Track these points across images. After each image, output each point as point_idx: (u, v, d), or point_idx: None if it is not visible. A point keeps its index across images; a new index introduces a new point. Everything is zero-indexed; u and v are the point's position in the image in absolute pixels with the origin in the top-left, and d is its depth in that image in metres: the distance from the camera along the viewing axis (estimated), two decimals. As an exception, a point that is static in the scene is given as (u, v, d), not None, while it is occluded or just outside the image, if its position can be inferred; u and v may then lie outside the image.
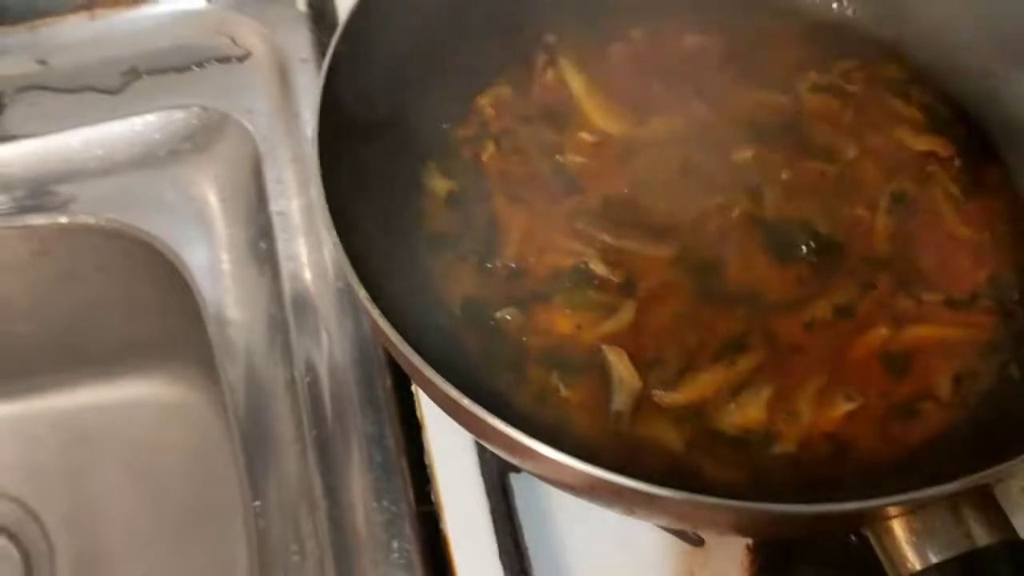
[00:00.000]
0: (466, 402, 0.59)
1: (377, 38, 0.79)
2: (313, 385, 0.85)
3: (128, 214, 1.02)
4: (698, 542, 0.74)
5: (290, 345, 0.88)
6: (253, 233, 0.97)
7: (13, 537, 1.15)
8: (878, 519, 0.55)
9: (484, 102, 0.89)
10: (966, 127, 0.86)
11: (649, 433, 0.71)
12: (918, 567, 0.53)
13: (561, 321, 0.76)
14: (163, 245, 1.00)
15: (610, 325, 0.75)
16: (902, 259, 0.78)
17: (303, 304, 0.90)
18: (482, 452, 0.79)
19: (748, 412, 0.71)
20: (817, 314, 0.75)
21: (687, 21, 0.94)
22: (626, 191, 0.83)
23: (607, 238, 0.80)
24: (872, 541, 0.56)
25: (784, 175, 0.83)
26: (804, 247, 0.78)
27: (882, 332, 0.74)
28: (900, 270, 0.78)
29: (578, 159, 0.85)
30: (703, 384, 0.72)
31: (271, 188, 0.98)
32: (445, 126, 0.88)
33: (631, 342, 0.74)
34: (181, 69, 1.10)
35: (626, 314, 0.76)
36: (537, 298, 0.77)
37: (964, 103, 0.87)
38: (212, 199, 1.02)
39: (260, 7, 1.10)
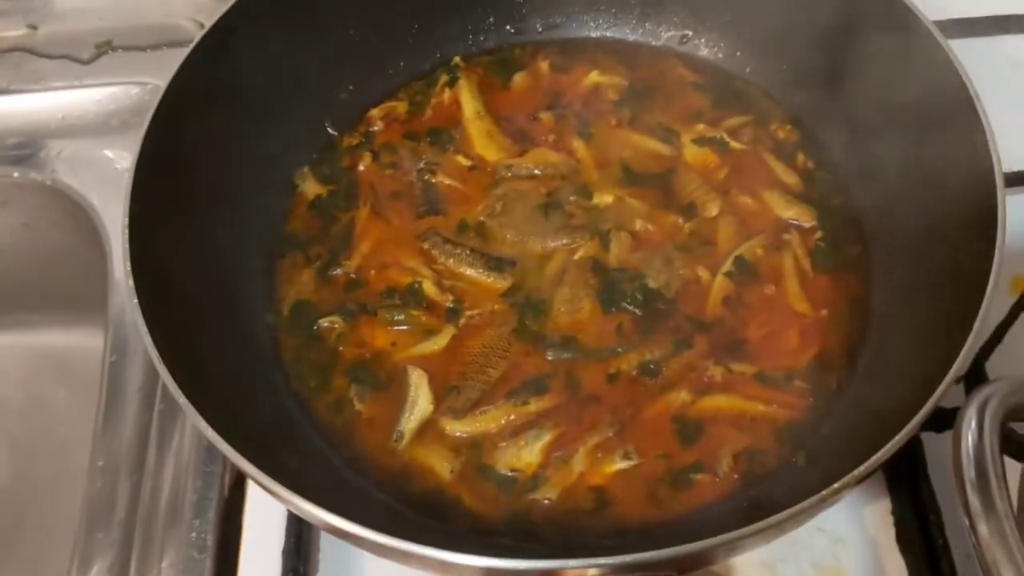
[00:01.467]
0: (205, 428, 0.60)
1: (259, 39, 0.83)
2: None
3: (71, 176, 1.09)
4: None
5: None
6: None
7: (-37, 456, 1.24)
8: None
9: (376, 114, 0.92)
10: (843, 199, 0.84)
11: (423, 457, 0.72)
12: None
13: (380, 336, 0.79)
14: (92, 209, 1.06)
15: (424, 347, 0.77)
16: (727, 326, 0.77)
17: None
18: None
19: (523, 454, 0.71)
20: (623, 367, 0.75)
21: (598, 60, 0.95)
22: (482, 219, 0.84)
23: (448, 262, 0.82)
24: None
25: (638, 225, 0.82)
26: (631, 299, 0.78)
27: (682, 396, 0.73)
28: (721, 336, 0.76)
29: (448, 181, 0.87)
30: (489, 419, 0.73)
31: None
32: (333, 132, 0.91)
33: (438, 366, 0.76)
34: (150, 47, 1.17)
35: (442, 339, 0.78)
36: (365, 311, 0.80)
37: (847, 174, 0.85)
38: (142, 173, 1.08)
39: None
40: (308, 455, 0.72)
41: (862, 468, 0.57)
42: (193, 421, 0.59)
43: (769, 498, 0.68)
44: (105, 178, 1.08)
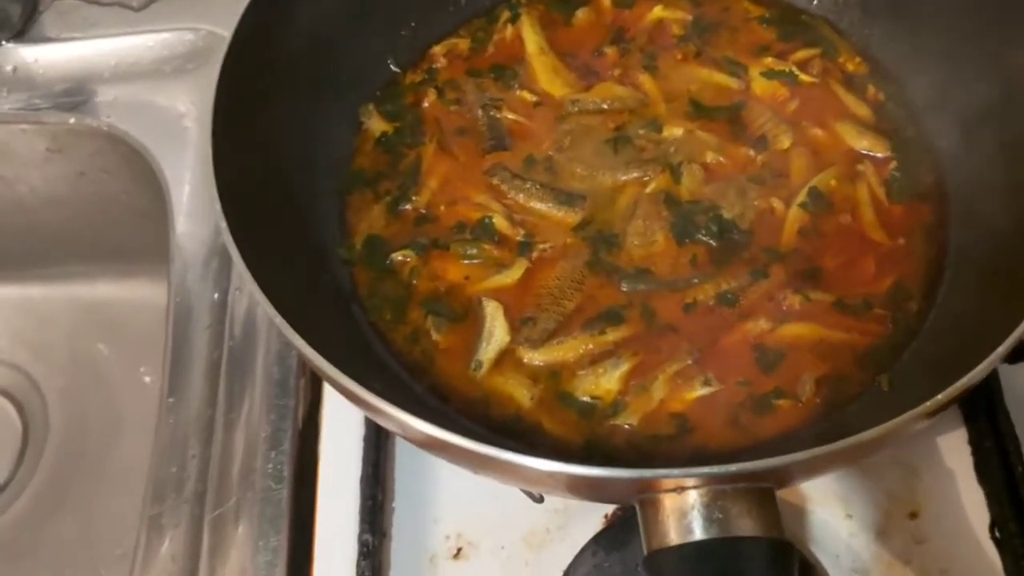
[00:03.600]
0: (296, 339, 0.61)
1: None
2: (238, 301, 0.91)
3: (127, 122, 1.10)
4: (539, 499, 0.76)
5: (229, 264, 0.94)
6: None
7: (17, 404, 1.26)
8: (648, 490, 0.56)
9: (439, 51, 0.91)
10: (916, 130, 0.83)
11: (502, 385, 0.73)
12: (675, 542, 0.54)
13: (453, 270, 0.79)
14: (149, 155, 1.07)
15: (497, 280, 0.77)
16: (804, 255, 0.77)
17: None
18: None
19: (602, 381, 0.72)
20: (699, 297, 0.75)
21: (661, -7, 0.94)
22: (550, 153, 0.84)
23: (518, 197, 0.82)
24: (638, 512, 0.56)
25: (709, 157, 0.82)
26: (705, 230, 0.78)
27: (761, 324, 0.73)
28: (798, 266, 0.76)
29: (513, 117, 0.86)
30: (567, 348, 0.73)
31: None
32: (395, 70, 0.91)
33: (512, 299, 0.76)
34: (201, -9, 1.16)
35: (515, 272, 0.78)
36: (437, 245, 0.80)
37: (920, 105, 0.84)
38: (200, 119, 1.08)
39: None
40: (389, 383, 0.72)
41: (959, 383, 0.56)
42: (291, 340, 0.60)
43: (852, 423, 0.68)
44: (161, 124, 1.09)
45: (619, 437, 0.70)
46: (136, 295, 1.31)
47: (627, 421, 0.70)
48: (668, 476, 0.54)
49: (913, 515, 0.77)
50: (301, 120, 0.82)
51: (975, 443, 0.78)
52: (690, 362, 0.72)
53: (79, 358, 1.28)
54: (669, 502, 0.55)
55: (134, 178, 1.13)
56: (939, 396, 0.55)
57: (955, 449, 0.79)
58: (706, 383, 0.71)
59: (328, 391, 0.84)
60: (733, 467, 0.53)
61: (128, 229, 1.23)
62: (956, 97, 0.82)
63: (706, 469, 0.53)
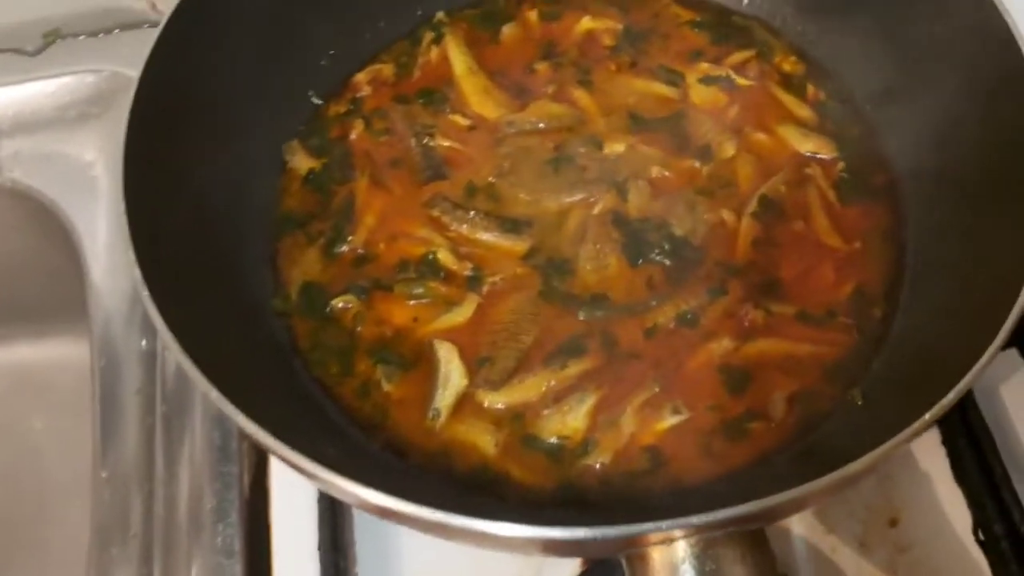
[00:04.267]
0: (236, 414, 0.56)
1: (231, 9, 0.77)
2: (167, 360, 0.84)
3: (33, 176, 1.02)
4: (512, 549, 0.72)
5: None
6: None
7: (-61, 483, 1.17)
8: (635, 546, 0.52)
9: (362, 79, 0.87)
10: (861, 127, 0.81)
11: (463, 434, 0.68)
12: (665, 600, 0.51)
13: (399, 312, 0.74)
14: (58, 209, 1.00)
15: (448, 319, 0.73)
16: (760, 267, 0.74)
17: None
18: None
19: (568, 419, 0.68)
20: (659, 320, 0.72)
21: (587, 5, 0.90)
22: (491, 179, 0.80)
23: (462, 229, 0.77)
24: (625, 568, 0.53)
25: (654, 172, 0.79)
26: (658, 249, 0.75)
27: (724, 344, 0.70)
28: (755, 278, 0.73)
29: (447, 143, 0.82)
30: (529, 387, 0.69)
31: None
32: (318, 102, 0.85)
33: (466, 338, 0.72)
34: (100, 32, 1.10)
35: (466, 309, 0.73)
36: (379, 287, 0.75)
37: (862, 102, 0.82)
38: (108, 166, 1.01)
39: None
40: (342, 443, 0.67)
41: (946, 399, 0.54)
42: (233, 417, 0.54)
43: (829, 442, 0.65)
44: (68, 175, 1.02)
45: (592, 477, 0.66)
46: (56, 355, 1.23)
47: (599, 460, 0.67)
48: (656, 530, 0.50)
49: (893, 522, 0.76)
50: (221, 163, 0.76)
51: (949, 443, 0.76)
52: (657, 390, 0.69)
53: (2, 425, 1.20)
54: (658, 555, 0.52)
55: (44, 234, 1.05)
56: (926, 416, 0.52)
57: (929, 451, 0.77)
58: (675, 411, 0.68)
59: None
60: (722, 514, 0.49)
61: (42, 287, 1.15)
62: (898, 89, 0.80)
63: (695, 519, 0.50)
